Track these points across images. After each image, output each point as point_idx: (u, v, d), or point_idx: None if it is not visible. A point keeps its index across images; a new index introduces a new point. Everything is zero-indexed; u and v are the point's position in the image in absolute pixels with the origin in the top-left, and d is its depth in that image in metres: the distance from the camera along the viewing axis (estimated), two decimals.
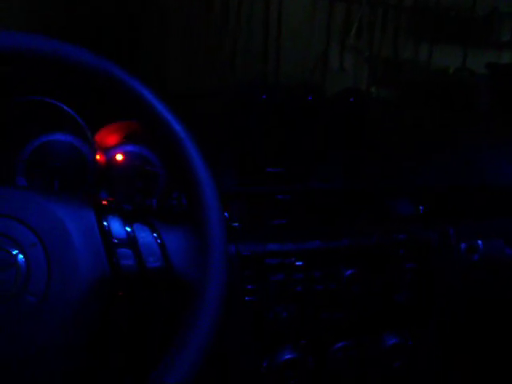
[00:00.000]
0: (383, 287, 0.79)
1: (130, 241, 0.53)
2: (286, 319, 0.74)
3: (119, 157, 0.88)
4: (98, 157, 0.80)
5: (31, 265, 0.49)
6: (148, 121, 0.54)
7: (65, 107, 0.75)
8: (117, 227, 0.53)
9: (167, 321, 0.61)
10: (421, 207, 0.88)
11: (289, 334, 0.76)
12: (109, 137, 0.85)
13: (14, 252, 0.49)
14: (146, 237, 0.54)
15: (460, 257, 0.85)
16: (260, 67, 2.07)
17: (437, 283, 0.83)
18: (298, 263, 0.75)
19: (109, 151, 0.87)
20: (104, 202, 0.56)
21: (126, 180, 0.89)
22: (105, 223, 0.53)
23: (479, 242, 0.86)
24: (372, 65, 2.31)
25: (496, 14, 2.21)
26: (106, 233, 0.52)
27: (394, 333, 0.81)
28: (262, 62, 2.11)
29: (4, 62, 0.51)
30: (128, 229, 0.54)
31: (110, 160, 0.87)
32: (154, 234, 0.54)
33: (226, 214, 0.78)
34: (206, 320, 0.51)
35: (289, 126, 0.88)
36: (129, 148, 0.88)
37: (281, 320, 0.74)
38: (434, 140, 0.99)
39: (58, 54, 0.51)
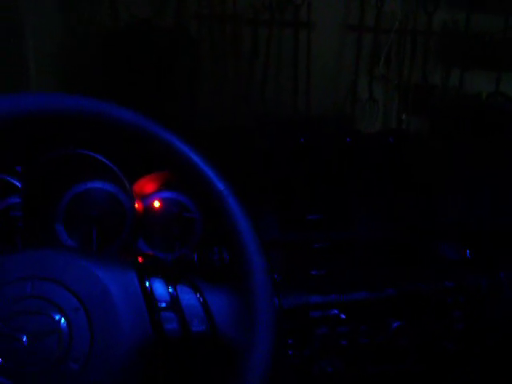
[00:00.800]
0: (432, 338, 0.75)
1: (174, 303, 0.51)
2: (332, 374, 0.71)
3: (156, 204, 0.88)
4: (136, 205, 0.80)
5: (73, 330, 0.48)
6: (185, 173, 0.53)
7: (102, 158, 0.75)
8: (159, 289, 0.52)
9: None
10: (468, 251, 0.85)
11: None
12: (147, 185, 0.85)
13: (57, 317, 0.48)
14: (189, 299, 0.52)
15: None
16: (290, 102, 2.08)
17: (487, 332, 0.79)
18: (342, 316, 0.72)
19: (146, 199, 0.87)
20: (144, 261, 0.55)
21: (164, 227, 0.88)
22: (147, 284, 0.52)
23: None
24: (402, 93, 2.30)
25: None
26: (149, 296, 0.51)
27: None
28: (292, 95, 2.11)
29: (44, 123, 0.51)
30: (171, 290, 0.52)
31: (148, 207, 0.87)
32: (198, 295, 0.53)
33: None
34: None
35: (327, 171, 0.87)
36: (165, 194, 0.88)
37: (326, 375, 0.71)
38: (473, 177, 0.95)
39: (96, 113, 0.51)
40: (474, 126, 1.63)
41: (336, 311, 0.72)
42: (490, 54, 2.29)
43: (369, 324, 0.72)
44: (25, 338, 0.47)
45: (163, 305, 0.51)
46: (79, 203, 0.87)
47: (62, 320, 0.48)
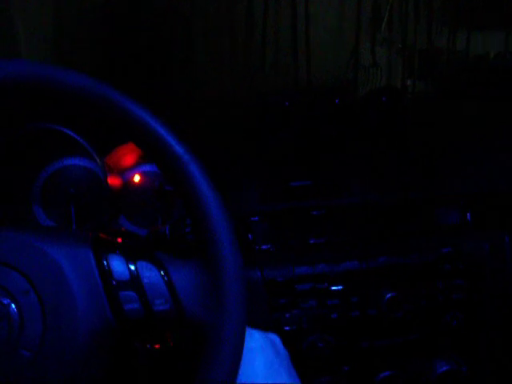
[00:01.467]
0: (429, 310, 0.70)
1: (134, 282, 0.47)
2: (323, 350, 0.67)
3: (136, 178, 0.84)
4: (110, 180, 0.76)
5: (24, 315, 0.44)
6: (143, 140, 0.48)
7: (70, 132, 0.70)
8: (118, 266, 0.47)
9: (181, 368, 0.55)
10: (468, 214, 0.79)
11: (327, 366, 0.69)
12: (123, 158, 0.80)
13: (5, 302, 0.44)
14: (151, 276, 0.48)
15: None
16: (289, 69, 2.01)
17: (490, 301, 0.74)
18: (331, 288, 0.67)
19: (126, 173, 0.83)
20: (104, 237, 0.50)
21: (145, 202, 0.84)
22: (104, 262, 0.47)
23: None
24: (406, 57, 2.22)
25: None
26: (107, 274, 0.47)
27: (446, 359, 0.72)
28: (292, 62, 2.04)
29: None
30: (131, 267, 0.48)
31: (128, 182, 0.83)
32: (161, 272, 0.48)
33: (249, 236, 0.72)
34: (222, 371, 0.44)
35: (315, 134, 0.81)
36: (145, 168, 0.84)
37: (317, 351, 0.67)
38: (479, 138, 0.89)
39: (52, 81, 0.47)
40: (480, 87, 1.56)
41: (326, 284, 0.68)
42: (497, 11, 2.19)
43: (360, 296, 0.68)
44: None
45: (122, 283, 0.47)
46: (56, 182, 0.83)
47: (12, 305, 0.44)
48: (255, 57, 2.04)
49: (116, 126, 0.49)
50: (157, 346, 0.61)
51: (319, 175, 0.77)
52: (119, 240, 0.55)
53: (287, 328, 0.67)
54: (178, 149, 0.47)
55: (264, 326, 0.64)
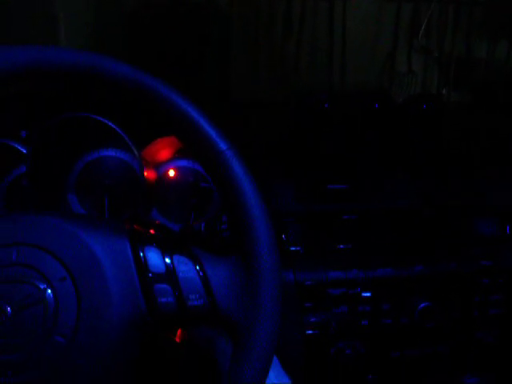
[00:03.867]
0: (463, 323, 0.68)
1: (169, 275, 0.47)
2: (351, 357, 0.66)
3: (171, 173, 0.84)
4: (145, 173, 0.76)
5: (59, 301, 0.44)
6: (186, 133, 0.48)
7: (109, 123, 0.71)
8: (155, 259, 0.47)
9: (212, 364, 0.55)
10: (508, 226, 0.76)
11: (352, 374, 0.68)
12: (159, 152, 0.80)
13: (42, 287, 0.44)
14: (187, 270, 0.47)
15: None
16: (325, 73, 2.00)
17: None
18: (364, 294, 0.66)
19: (161, 167, 0.83)
20: (140, 229, 0.50)
21: (179, 198, 0.84)
22: (141, 254, 0.47)
23: None
24: (443, 65, 2.18)
25: None
26: (143, 266, 0.46)
27: (477, 376, 0.70)
28: (327, 67, 2.03)
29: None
30: (167, 261, 0.47)
31: (162, 176, 0.83)
32: (197, 267, 0.48)
33: (283, 236, 0.71)
34: (253, 370, 0.44)
35: (354, 138, 0.80)
36: (181, 163, 0.84)
37: (344, 357, 0.66)
38: None
39: (94, 68, 0.47)
40: None
41: (358, 289, 0.67)
42: None
43: (393, 303, 0.66)
44: (9, 309, 0.43)
45: (158, 276, 0.46)
46: (91, 172, 0.83)
47: (48, 290, 0.44)
48: (291, 59, 2.04)
49: (161, 118, 0.49)
50: (185, 340, 0.61)
51: (356, 179, 0.75)
52: (153, 232, 0.55)
53: (316, 332, 0.66)
54: (222, 144, 0.47)
55: (292, 328, 0.63)
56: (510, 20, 2.08)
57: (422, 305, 0.66)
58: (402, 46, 2.16)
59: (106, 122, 0.71)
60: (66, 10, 1.33)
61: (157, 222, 0.79)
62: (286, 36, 2.03)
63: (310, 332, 0.66)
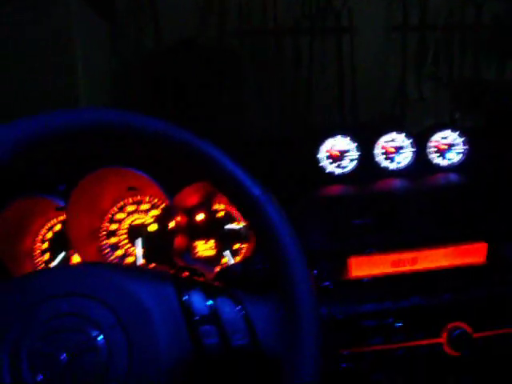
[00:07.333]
0: (498, 350, 0.68)
1: (213, 317, 0.49)
2: None
3: (200, 216, 0.87)
4: (178, 218, 0.79)
5: (112, 348, 0.46)
6: (220, 181, 0.51)
7: (143, 173, 0.75)
8: (198, 302, 0.50)
9: None
10: None
11: None
12: (189, 197, 0.84)
13: (94, 334, 0.46)
14: (230, 311, 0.50)
15: None
16: (337, 105, 2.03)
17: None
18: (397, 324, 0.67)
19: (190, 212, 0.86)
20: (183, 274, 0.53)
21: (210, 239, 0.87)
22: (185, 298, 0.50)
23: None
24: (454, 91, 2.20)
25: None
26: (188, 309, 0.49)
27: None
28: (338, 99, 2.07)
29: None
30: (210, 303, 0.50)
31: (192, 220, 0.86)
32: (239, 308, 0.50)
33: (315, 271, 0.73)
34: None
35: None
36: (210, 206, 0.87)
37: None
38: None
39: (131, 127, 0.50)
40: None
41: (391, 319, 0.68)
42: None
43: (426, 332, 0.67)
44: (64, 356, 0.45)
45: (202, 318, 0.49)
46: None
47: (100, 337, 0.46)
48: (302, 94, 2.08)
49: (196, 167, 0.52)
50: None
51: (380, 212, 0.77)
52: (188, 274, 0.57)
53: (350, 365, 0.67)
54: (255, 190, 0.49)
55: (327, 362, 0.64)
56: None
57: (456, 332, 0.66)
58: (411, 74, 2.20)
59: (141, 173, 0.74)
60: (84, 61, 1.38)
61: (196, 266, 0.82)
62: (296, 74, 2.08)
63: (344, 365, 0.67)
